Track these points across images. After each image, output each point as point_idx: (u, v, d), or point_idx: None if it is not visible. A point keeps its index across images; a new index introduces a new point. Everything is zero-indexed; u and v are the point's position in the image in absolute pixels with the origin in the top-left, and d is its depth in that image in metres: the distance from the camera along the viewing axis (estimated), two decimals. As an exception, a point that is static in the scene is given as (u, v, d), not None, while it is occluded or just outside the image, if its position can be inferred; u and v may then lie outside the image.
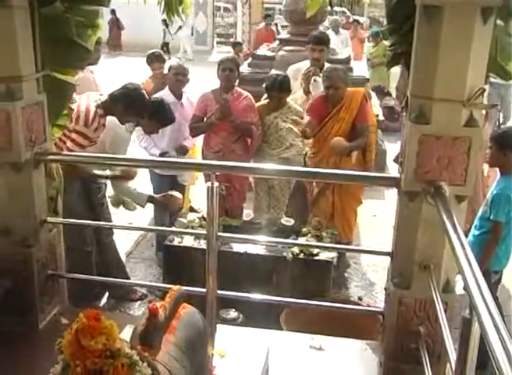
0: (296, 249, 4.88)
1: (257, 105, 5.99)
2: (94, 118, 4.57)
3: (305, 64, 6.57)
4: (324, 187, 5.86)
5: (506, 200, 4.37)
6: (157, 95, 6.05)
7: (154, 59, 7.31)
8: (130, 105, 4.71)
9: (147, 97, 4.89)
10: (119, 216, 5.79)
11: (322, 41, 6.49)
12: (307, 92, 6.31)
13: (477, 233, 4.57)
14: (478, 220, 4.58)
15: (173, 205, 5.24)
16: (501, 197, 4.39)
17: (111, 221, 5.46)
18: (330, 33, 14.47)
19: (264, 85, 6.08)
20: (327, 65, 6.55)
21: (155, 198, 5.18)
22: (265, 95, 6.14)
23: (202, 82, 7.85)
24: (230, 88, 5.80)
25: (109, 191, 5.34)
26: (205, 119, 5.87)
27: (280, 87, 5.81)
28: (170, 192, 5.17)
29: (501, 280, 4.76)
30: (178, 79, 6.15)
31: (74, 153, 4.44)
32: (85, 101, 4.61)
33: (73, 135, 4.46)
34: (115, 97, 4.72)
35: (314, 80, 6.29)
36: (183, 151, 6.10)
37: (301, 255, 4.82)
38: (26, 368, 2.92)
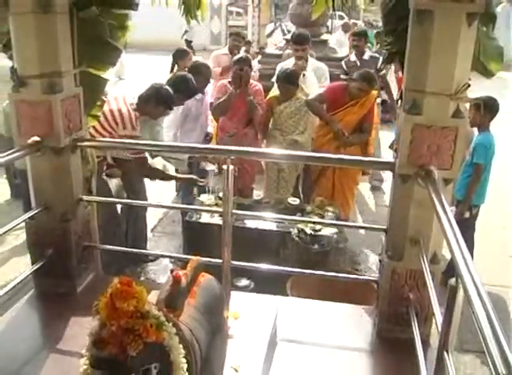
0: (301, 225, 4.90)
1: (269, 96, 6.05)
2: (136, 120, 4.68)
3: (291, 61, 6.63)
4: (324, 168, 5.91)
5: (483, 147, 5.17)
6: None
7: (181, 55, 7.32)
8: (160, 101, 4.79)
9: (172, 91, 4.94)
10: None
11: (303, 40, 6.54)
12: None
13: (462, 177, 5.25)
14: (463, 168, 5.24)
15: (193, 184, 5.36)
16: (480, 146, 5.18)
17: (147, 195, 5.58)
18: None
19: (273, 78, 6.13)
20: (311, 60, 6.63)
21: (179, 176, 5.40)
22: (274, 87, 6.19)
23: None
24: (245, 84, 5.85)
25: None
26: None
27: (288, 80, 5.83)
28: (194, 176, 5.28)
29: (478, 215, 5.46)
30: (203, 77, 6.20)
31: (106, 139, 4.46)
32: (124, 107, 4.67)
33: (126, 141, 4.48)
34: (146, 97, 4.79)
35: (303, 75, 6.35)
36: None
37: (306, 231, 4.84)
38: (67, 324, 2.96)
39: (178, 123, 6.19)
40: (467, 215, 5.29)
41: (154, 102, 4.79)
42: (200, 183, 5.24)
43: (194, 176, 5.24)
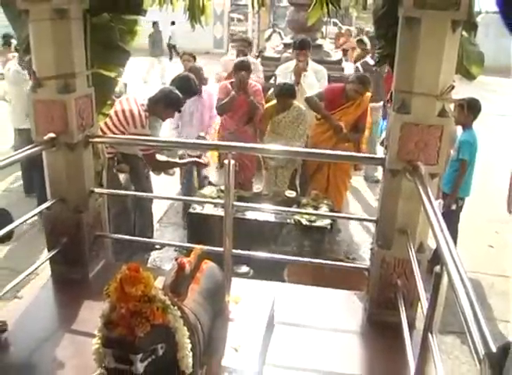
0: (297, 216, 4.91)
1: (267, 105, 6.04)
2: (145, 119, 4.70)
3: (292, 63, 6.68)
4: (320, 164, 5.92)
5: (467, 144, 5.22)
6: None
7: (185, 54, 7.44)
8: (170, 104, 4.82)
9: (181, 95, 4.94)
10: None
11: (304, 45, 6.57)
12: (297, 83, 6.38)
13: (449, 172, 5.30)
14: (450, 163, 5.30)
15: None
16: (465, 142, 5.22)
17: (152, 188, 5.57)
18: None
19: (273, 90, 6.13)
20: (311, 63, 6.68)
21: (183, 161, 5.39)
22: (271, 90, 6.20)
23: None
24: (243, 86, 5.85)
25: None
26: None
27: (287, 93, 5.80)
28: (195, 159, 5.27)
29: (463, 207, 5.46)
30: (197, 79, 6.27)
31: (115, 136, 4.48)
32: (135, 107, 4.69)
33: (133, 137, 4.50)
34: (157, 100, 4.82)
35: (304, 75, 6.38)
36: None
37: (301, 222, 4.84)
38: (80, 307, 2.99)
39: (177, 117, 6.17)
40: (453, 207, 5.32)
41: (164, 105, 4.82)
42: (202, 163, 5.22)
43: (195, 159, 5.22)
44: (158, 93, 4.87)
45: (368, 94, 6.07)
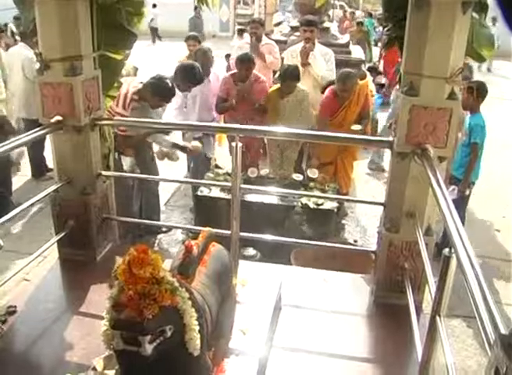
0: (304, 199, 4.90)
1: (271, 90, 5.93)
2: (130, 102, 4.71)
3: (299, 45, 6.58)
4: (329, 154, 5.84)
5: (479, 127, 5.18)
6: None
7: (190, 38, 7.26)
8: (157, 91, 4.76)
9: (172, 85, 4.88)
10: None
11: (312, 23, 6.51)
12: (304, 64, 6.33)
13: (460, 157, 5.29)
14: (461, 148, 5.29)
15: (194, 152, 5.32)
16: (476, 126, 5.18)
17: (158, 172, 5.55)
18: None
19: (277, 74, 6.04)
20: (318, 45, 6.55)
21: (179, 145, 5.23)
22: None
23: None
24: (246, 79, 5.81)
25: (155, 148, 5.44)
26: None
27: (292, 76, 5.70)
28: (191, 144, 5.25)
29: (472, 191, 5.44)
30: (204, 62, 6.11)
31: (122, 118, 4.48)
32: (125, 87, 4.68)
33: (117, 117, 4.54)
34: (146, 85, 4.82)
35: (312, 56, 6.33)
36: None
37: (309, 205, 4.83)
38: (88, 289, 3.00)
39: (182, 98, 6.10)
40: (467, 192, 5.29)
41: (151, 92, 4.77)
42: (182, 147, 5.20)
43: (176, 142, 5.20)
44: (149, 79, 4.84)
45: (362, 81, 6.03)
